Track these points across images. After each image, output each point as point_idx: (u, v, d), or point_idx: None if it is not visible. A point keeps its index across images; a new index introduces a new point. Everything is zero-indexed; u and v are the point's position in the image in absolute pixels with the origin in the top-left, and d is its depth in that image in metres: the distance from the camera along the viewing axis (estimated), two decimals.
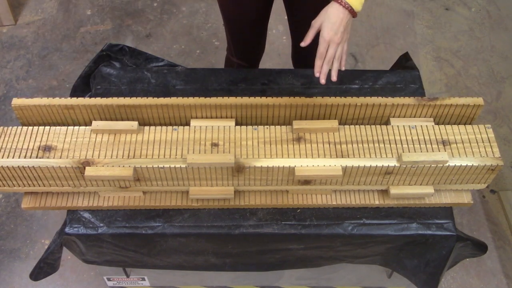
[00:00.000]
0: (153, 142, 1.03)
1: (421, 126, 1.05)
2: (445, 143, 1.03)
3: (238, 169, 1.00)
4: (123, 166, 0.98)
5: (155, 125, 1.08)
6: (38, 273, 1.18)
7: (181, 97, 1.05)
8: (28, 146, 1.01)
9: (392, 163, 1.00)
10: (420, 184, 1.06)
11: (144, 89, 1.26)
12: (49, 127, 1.04)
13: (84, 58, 2.27)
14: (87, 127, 1.04)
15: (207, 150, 1.01)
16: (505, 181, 1.90)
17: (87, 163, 0.99)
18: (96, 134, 1.04)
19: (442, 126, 1.06)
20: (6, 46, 2.30)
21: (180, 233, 1.08)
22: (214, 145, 1.02)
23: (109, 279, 1.42)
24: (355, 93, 1.26)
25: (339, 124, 1.08)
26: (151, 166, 0.99)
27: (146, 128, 1.05)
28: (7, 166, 0.98)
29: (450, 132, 1.05)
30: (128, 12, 2.46)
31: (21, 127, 1.03)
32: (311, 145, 1.03)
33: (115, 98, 1.05)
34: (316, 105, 1.05)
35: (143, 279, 1.43)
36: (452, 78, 2.24)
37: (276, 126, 1.05)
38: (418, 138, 1.04)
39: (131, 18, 2.43)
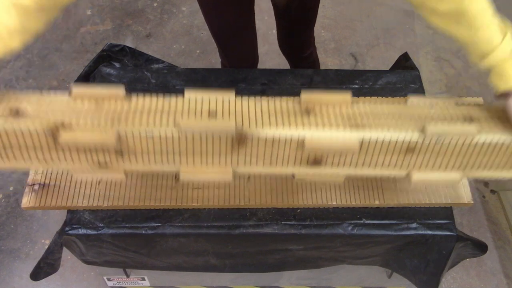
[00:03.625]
0: (142, 111, 0.86)
1: (443, 102, 0.94)
2: (471, 119, 0.90)
3: (240, 139, 0.85)
4: (105, 132, 0.82)
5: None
6: (38, 273, 1.18)
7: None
8: None
9: (415, 136, 0.86)
10: (446, 169, 0.92)
11: (144, 89, 1.26)
12: (23, 91, 0.89)
13: (84, 58, 2.27)
14: (65, 94, 0.89)
15: (203, 118, 0.86)
16: (505, 181, 1.90)
17: (62, 126, 0.82)
18: (75, 100, 0.87)
19: (464, 104, 0.94)
20: None
21: (180, 233, 1.08)
22: (212, 114, 0.86)
23: (109, 279, 1.42)
24: (355, 93, 1.26)
25: None
26: (138, 132, 0.83)
27: (134, 95, 0.90)
28: None
29: (473, 110, 0.93)
30: (128, 12, 2.46)
31: None
32: (322, 117, 0.88)
33: None
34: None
35: (143, 279, 1.43)
36: (452, 78, 2.24)
37: (282, 98, 0.91)
38: (441, 115, 0.90)
39: (131, 18, 2.43)
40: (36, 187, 1.10)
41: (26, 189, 1.09)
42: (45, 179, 1.11)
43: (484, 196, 1.87)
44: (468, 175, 0.93)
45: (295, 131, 0.85)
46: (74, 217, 1.09)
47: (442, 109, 0.92)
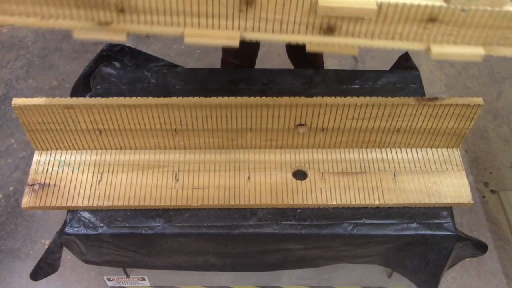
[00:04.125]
0: None
1: None
2: None
3: (248, 0, 0.78)
4: None
5: (155, 125, 1.08)
6: (38, 273, 1.18)
7: (181, 97, 1.05)
8: None
9: (438, 2, 0.77)
10: (469, 43, 0.83)
11: (144, 89, 1.26)
12: None
13: (84, 58, 2.27)
14: None
15: None
16: (505, 181, 1.90)
17: None
18: None
19: None
20: (6, 46, 2.30)
21: (180, 233, 1.08)
22: None
23: (109, 279, 1.42)
24: (355, 93, 1.26)
25: (339, 127, 1.08)
26: None
27: None
28: None
29: None
30: None
31: None
32: None
33: (115, 98, 1.05)
34: (316, 105, 1.05)
35: (143, 279, 1.43)
36: (452, 78, 2.24)
37: None
38: None
39: None
40: (36, 187, 1.10)
41: (26, 189, 1.09)
42: (45, 179, 1.11)
43: (484, 196, 1.87)
44: (492, 52, 0.84)
45: None
46: (74, 217, 1.09)
47: None
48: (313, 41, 0.82)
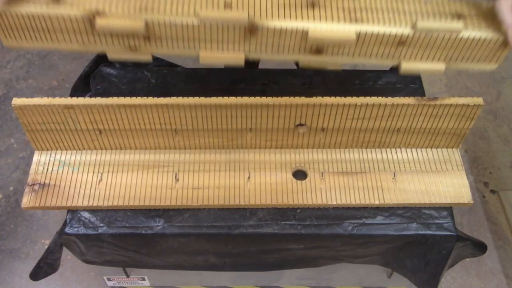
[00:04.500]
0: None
1: (436, 0, 1.02)
2: (460, 16, 1.00)
3: (251, 29, 0.96)
4: (135, 20, 0.95)
5: (155, 125, 1.08)
6: (38, 273, 1.18)
7: (181, 97, 1.05)
8: None
9: (407, 30, 0.97)
10: (432, 60, 1.01)
11: (144, 89, 1.26)
12: None
13: (84, 58, 2.27)
14: None
15: (220, 9, 0.97)
16: (505, 181, 1.91)
17: (97, 13, 0.95)
18: None
19: (457, 1, 1.03)
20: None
21: (180, 233, 1.08)
22: (227, 6, 0.98)
23: (109, 279, 1.42)
24: (355, 93, 1.26)
25: (339, 127, 1.09)
26: (163, 20, 0.95)
27: None
28: (17, 14, 0.95)
29: (465, 7, 1.02)
30: None
31: None
32: (325, 10, 0.99)
33: (115, 98, 1.05)
34: (316, 105, 1.05)
35: (143, 279, 1.43)
36: (452, 78, 2.24)
37: None
38: (433, 11, 1.01)
39: None
40: (36, 187, 1.10)
41: (26, 189, 1.10)
42: (45, 179, 1.11)
43: (484, 196, 1.87)
44: (452, 66, 1.02)
45: (300, 23, 0.96)
46: (74, 217, 1.09)
47: (435, 5, 1.02)
48: (304, 59, 0.99)
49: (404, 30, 0.97)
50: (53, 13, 0.94)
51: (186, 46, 0.99)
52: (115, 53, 1.00)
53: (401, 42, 0.98)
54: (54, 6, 0.95)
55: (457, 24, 0.97)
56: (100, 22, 0.94)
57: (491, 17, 0.99)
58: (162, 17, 0.95)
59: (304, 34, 0.97)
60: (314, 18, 0.98)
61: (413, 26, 0.97)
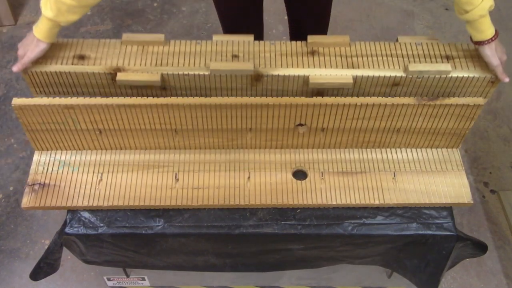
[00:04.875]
0: (179, 53, 1.11)
1: (426, 43, 1.13)
2: (448, 57, 1.10)
3: (257, 77, 1.06)
4: (151, 73, 1.06)
5: (155, 125, 1.08)
6: (38, 273, 1.18)
7: (181, 97, 1.05)
8: (64, 54, 1.09)
9: (399, 73, 1.06)
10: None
11: None
12: (82, 39, 1.12)
13: None
14: (118, 39, 1.13)
15: (228, 60, 1.10)
16: (505, 181, 1.91)
17: (118, 69, 1.06)
18: (126, 46, 1.12)
19: (446, 44, 1.13)
20: (6, 46, 2.31)
21: (180, 233, 1.08)
22: (235, 56, 1.09)
23: (109, 279, 1.42)
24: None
25: (339, 127, 1.09)
26: (177, 73, 1.06)
27: (172, 40, 1.14)
28: (45, 71, 1.06)
29: (453, 49, 1.12)
30: (128, 12, 2.46)
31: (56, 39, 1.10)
32: (324, 58, 1.10)
33: (115, 98, 1.05)
34: (316, 105, 1.05)
35: (143, 279, 1.43)
36: None
37: (292, 42, 1.14)
38: (424, 53, 1.11)
39: (131, 18, 2.43)
40: (36, 187, 1.10)
41: (26, 189, 1.10)
42: (45, 179, 1.11)
43: (484, 196, 1.87)
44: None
45: (301, 71, 1.07)
46: (74, 217, 1.09)
47: (426, 47, 1.13)
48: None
49: (397, 73, 1.07)
50: (78, 70, 1.07)
51: (199, 93, 1.11)
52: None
53: (395, 83, 1.09)
54: (79, 64, 1.08)
55: (445, 66, 1.07)
56: (120, 76, 1.06)
57: (478, 58, 1.10)
58: (176, 70, 1.07)
59: (306, 80, 1.07)
60: (314, 65, 1.08)
61: (405, 69, 1.07)
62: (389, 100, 1.05)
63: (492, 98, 2.13)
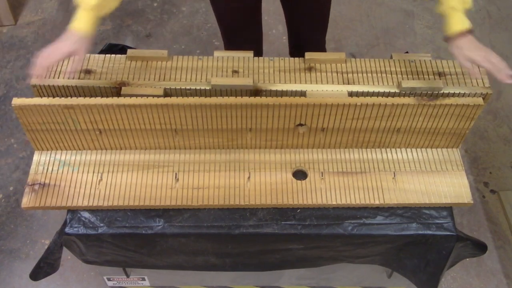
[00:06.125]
0: (181, 68, 1.14)
1: (419, 60, 1.15)
2: (440, 74, 1.13)
3: (256, 92, 1.10)
4: (155, 87, 1.09)
5: (155, 125, 1.08)
6: (38, 273, 1.18)
7: (181, 97, 1.05)
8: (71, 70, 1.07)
9: (393, 89, 1.10)
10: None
11: None
12: (88, 54, 1.13)
13: None
14: (123, 55, 1.17)
15: (228, 75, 1.13)
16: (505, 181, 1.90)
17: (123, 84, 1.10)
18: (131, 61, 1.16)
19: (438, 61, 1.16)
20: (6, 46, 2.30)
21: (180, 233, 1.08)
22: (235, 72, 1.13)
23: (109, 279, 1.42)
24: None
25: (339, 127, 1.09)
26: (179, 88, 1.09)
27: (175, 56, 1.17)
28: (53, 85, 1.09)
29: (445, 65, 1.16)
30: (128, 12, 2.46)
31: None
32: (320, 74, 1.14)
33: (115, 98, 1.05)
34: (316, 105, 1.05)
35: (143, 279, 1.43)
36: None
37: (290, 58, 1.17)
38: (417, 70, 1.14)
39: (131, 18, 2.43)
40: (36, 187, 1.10)
41: (26, 189, 1.10)
42: (45, 179, 1.11)
43: (484, 196, 1.87)
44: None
45: (298, 86, 1.11)
46: (74, 217, 1.09)
47: (418, 66, 1.16)
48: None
49: (390, 89, 1.11)
50: (85, 84, 1.10)
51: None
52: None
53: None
54: (85, 79, 1.11)
55: (437, 83, 1.10)
56: (125, 90, 1.09)
57: (470, 75, 1.09)
58: (178, 85, 1.10)
59: (303, 95, 1.10)
60: (311, 81, 1.13)
61: (399, 85, 1.10)
62: (389, 100, 1.05)
63: (492, 98, 2.13)
